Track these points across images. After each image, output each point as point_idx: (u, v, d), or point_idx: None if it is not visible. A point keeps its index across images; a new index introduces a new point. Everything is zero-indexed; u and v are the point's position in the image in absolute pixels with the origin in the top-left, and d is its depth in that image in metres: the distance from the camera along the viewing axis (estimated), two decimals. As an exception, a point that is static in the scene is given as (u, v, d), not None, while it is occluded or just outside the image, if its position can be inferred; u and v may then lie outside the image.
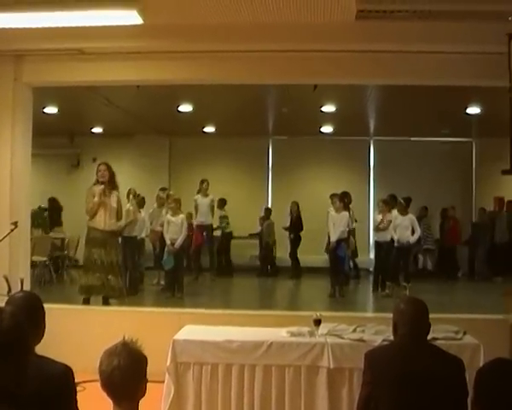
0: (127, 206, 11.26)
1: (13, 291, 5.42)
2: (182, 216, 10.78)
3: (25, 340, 2.45)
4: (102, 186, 8.26)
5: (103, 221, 8.25)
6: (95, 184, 8.40)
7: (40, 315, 3.09)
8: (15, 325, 2.40)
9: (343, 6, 5.87)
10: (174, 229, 10.63)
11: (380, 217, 11.91)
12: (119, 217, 8.55)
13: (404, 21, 6.00)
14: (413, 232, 11.63)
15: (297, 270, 14.61)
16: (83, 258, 8.56)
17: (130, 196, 11.41)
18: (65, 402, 2.75)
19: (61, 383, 2.74)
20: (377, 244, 12.35)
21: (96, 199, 8.19)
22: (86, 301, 8.13)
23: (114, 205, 8.35)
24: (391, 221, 11.63)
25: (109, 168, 8.46)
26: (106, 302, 8.20)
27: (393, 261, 11.60)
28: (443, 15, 5.85)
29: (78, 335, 6.72)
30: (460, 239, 15.16)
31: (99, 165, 8.60)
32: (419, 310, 3.29)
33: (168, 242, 10.62)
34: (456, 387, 3.00)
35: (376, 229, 12.09)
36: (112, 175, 8.45)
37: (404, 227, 11.55)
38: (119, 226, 10.51)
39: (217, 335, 5.21)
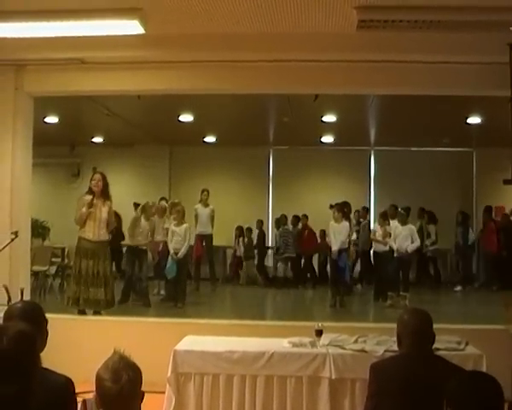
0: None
1: (13, 301, 5.40)
2: (185, 226, 10.79)
3: (33, 354, 2.46)
4: (91, 196, 8.17)
5: (92, 232, 8.12)
6: (87, 193, 8.33)
7: (43, 324, 3.10)
8: (23, 340, 2.41)
9: (344, 16, 5.88)
10: (178, 239, 10.64)
11: (378, 228, 11.91)
12: (109, 227, 8.44)
13: (406, 31, 6.00)
14: (412, 242, 11.60)
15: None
16: (72, 268, 8.47)
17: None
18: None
19: (62, 395, 2.73)
20: (376, 255, 12.34)
21: (84, 210, 8.12)
22: (82, 312, 8.07)
23: (105, 215, 8.25)
24: (390, 234, 11.57)
25: (104, 178, 8.36)
26: (97, 312, 8.12)
27: (393, 271, 11.54)
28: (444, 25, 5.85)
29: (78, 345, 6.68)
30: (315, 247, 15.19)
31: (94, 174, 8.49)
32: (423, 321, 3.28)
33: (172, 251, 10.63)
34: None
35: (373, 240, 12.13)
36: (105, 185, 8.35)
37: (403, 237, 11.50)
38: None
39: (218, 345, 5.19)
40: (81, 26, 5.97)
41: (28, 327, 2.57)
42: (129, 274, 10.94)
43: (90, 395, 2.50)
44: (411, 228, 11.66)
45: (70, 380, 2.83)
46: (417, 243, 11.65)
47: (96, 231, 8.14)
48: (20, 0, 5.63)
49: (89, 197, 8.16)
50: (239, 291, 14.62)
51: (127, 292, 10.83)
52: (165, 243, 11.28)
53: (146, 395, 2.57)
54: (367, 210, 15.03)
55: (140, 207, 11.37)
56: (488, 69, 6.62)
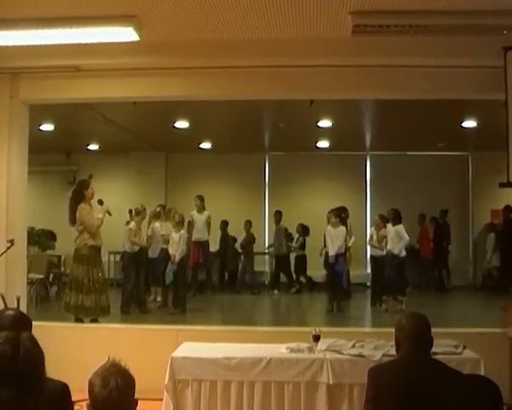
0: (130, 225, 11.27)
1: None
2: (181, 232, 10.82)
3: (43, 362, 2.52)
4: (106, 206, 8.52)
5: (100, 238, 8.35)
6: (83, 202, 8.39)
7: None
8: (37, 352, 2.46)
9: (339, 21, 5.89)
10: (174, 245, 10.72)
11: (374, 232, 11.88)
12: None
13: (400, 36, 6.02)
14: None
15: None
16: (73, 275, 8.41)
17: (133, 214, 11.52)
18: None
19: (59, 400, 2.75)
20: (372, 259, 12.32)
21: (101, 215, 8.43)
22: (79, 320, 8.06)
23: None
24: (385, 237, 11.51)
25: None
26: (94, 320, 8.13)
27: (389, 275, 11.48)
28: (439, 30, 5.87)
29: (75, 353, 6.65)
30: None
31: (90, 183, 8.66)
32: (421, 325, 3.28)
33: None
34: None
35: (370, 244, 12.12)
36: None
37: (392, 239, 11.38)
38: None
39: (215, 352, 5.18)
40: (76, 33, 5.97)
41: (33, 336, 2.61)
42: (130, 282, 10.91)
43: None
44: (397, 229, 11.43)
45: (66, 385, 2.88)
46: (405, 239, 11.42)
47: (101, 237, 8.32)
48: (14, 8, 5.62)
49: (105, 208, 8.66)
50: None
51: (128, 301, 10.80)
52: (163, 250, 11.30)
53: (143, 402, 2.57)
54: (280, 213, 14.96)
55: (134, 214, 11.46)
56: (483, 73, 6.62)
